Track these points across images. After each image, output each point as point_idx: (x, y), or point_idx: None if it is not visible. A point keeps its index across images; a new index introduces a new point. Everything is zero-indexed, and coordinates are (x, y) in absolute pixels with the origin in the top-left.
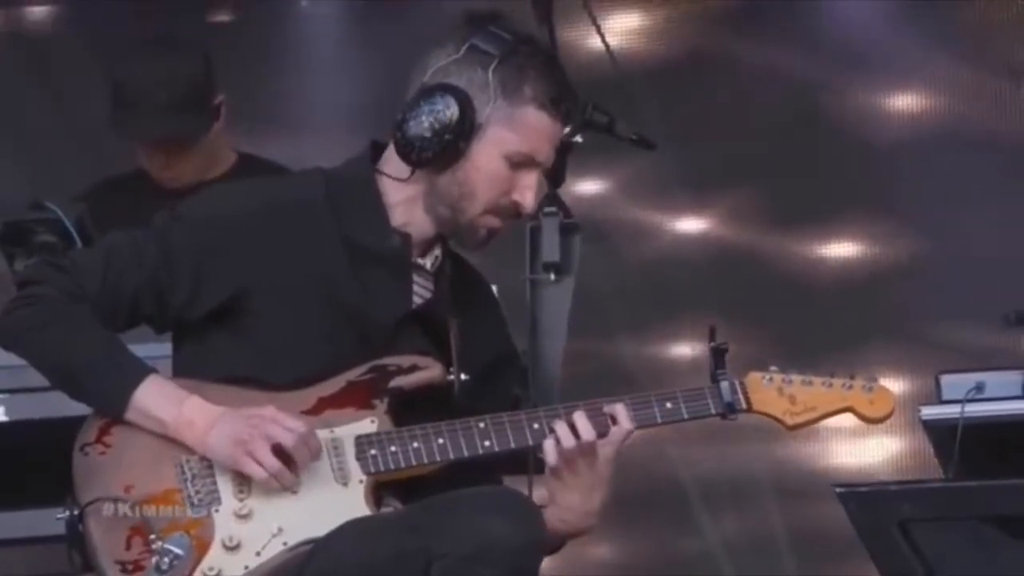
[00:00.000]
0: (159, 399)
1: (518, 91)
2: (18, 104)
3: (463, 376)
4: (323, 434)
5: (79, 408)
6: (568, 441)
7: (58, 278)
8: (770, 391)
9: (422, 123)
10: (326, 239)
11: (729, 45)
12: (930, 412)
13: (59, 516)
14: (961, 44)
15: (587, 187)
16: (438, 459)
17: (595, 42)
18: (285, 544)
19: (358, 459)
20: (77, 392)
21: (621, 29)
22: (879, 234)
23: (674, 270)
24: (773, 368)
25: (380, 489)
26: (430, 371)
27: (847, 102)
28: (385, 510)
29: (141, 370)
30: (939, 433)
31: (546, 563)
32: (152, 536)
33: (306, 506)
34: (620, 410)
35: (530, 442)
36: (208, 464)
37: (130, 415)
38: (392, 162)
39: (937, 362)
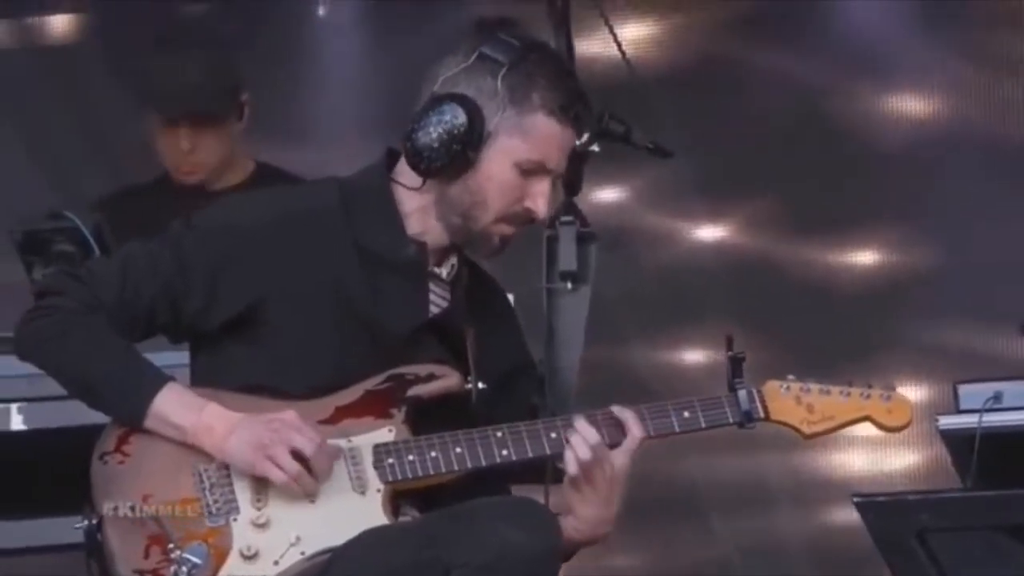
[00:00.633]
0: (178, 406)
1: (527, 98)
2: (36, 113)
3: (480, 385)
4: (341, 443)
5: (97, 417)
6: (584, 452)
7: (75, 288)
8: (788, 400)
9: (431, 133)
10: (341, 248)
11: (743, 52)
12: (948, 421)
13: (77, 525)
14: (973, 48)
15: (604, 195)
16: (456, 468)
17: (611, 50)
18: (303, 553)
19: (376, 468)
20: (96, 402)
21: (636, 37)
22: (896, 242)
23: (690, 278)
24: (791, 377)
25: (398, 498)
26: (447, 380)
27: (861, 108)
28: (403, 519)
29: (159, 378)
30: (957, 442)
31: (563, 571)
32: (170, 545)
33: (324, 515)
34: (630, 418)
35: (547, 451)
36: (226, 473)
37: (149, 423)
38: (405, 171)
39: (955, 371)
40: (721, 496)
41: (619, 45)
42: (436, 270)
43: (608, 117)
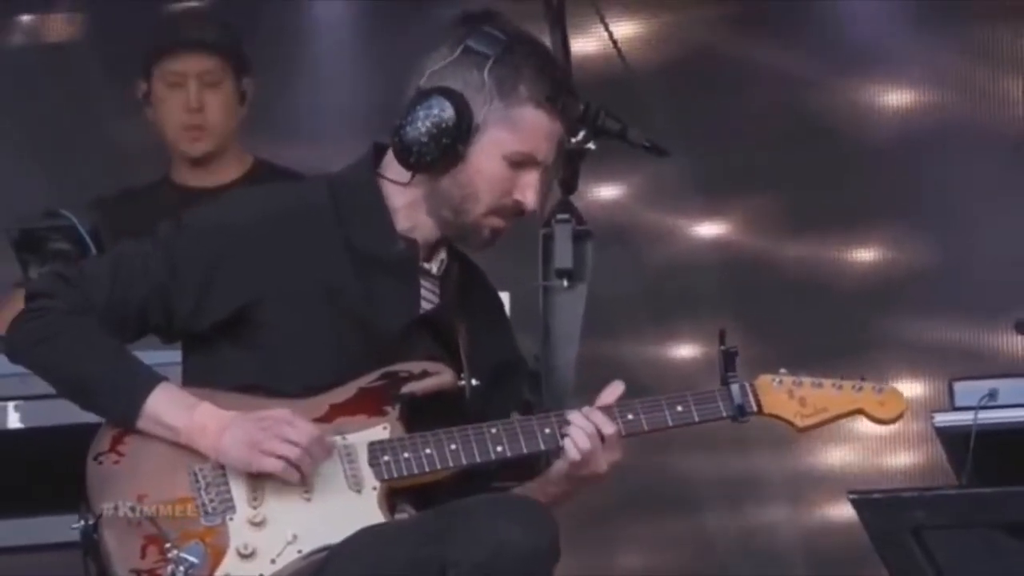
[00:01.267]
0: (170, 406)
1: (514, 91)
2: (34, 111)
3: (474, 381)
4: (336, 441)
5: (94, 415)
6: (583, 442)
7: (65, 290)
8: (780, 393)
9: (419, 128)
10: (332, 246)
11: (739, 49)
12: (943, 419)
13: (74, 526)
14: (970, 45)
15: (602, 192)
16: (451, 465)
17: (607, 48)
18: (300, 552)
19: (371, 465)
20: (88, 403)
21: (632, 35)
22: (893, 239)
23: (687, 276)
24: (783, 371)
25: (394, 495)
26: (441, 377)
27: (857, 104)
28: (399, 516)
29: (151, 378)
30: (952, 440)
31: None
32: (167, 544)
33: (320, 513)
34: (600, 418)
35: (542, 447)
36: (222, 472)
37: (142, 423)
38: (393, 166)
39: (951, 368)
40: (718, 495)
41: (615, 43)
42: (426, 266)
43: (604, 115)
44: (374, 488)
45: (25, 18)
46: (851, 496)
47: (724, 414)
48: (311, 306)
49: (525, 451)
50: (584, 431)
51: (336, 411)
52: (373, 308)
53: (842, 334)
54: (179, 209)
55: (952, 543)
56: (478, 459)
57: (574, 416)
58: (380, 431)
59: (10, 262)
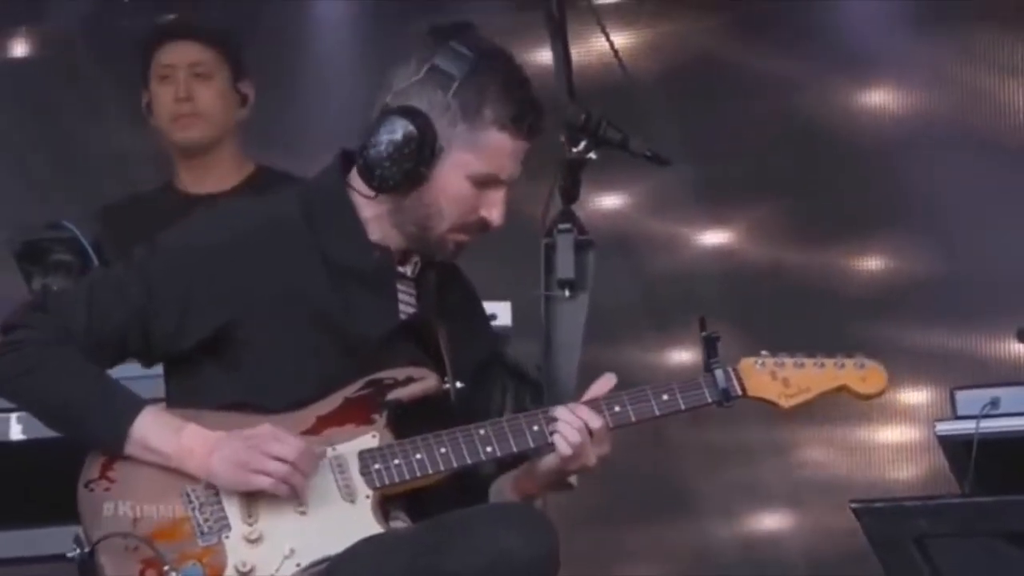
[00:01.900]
0: (157, 431)
1: (478, 114)
2: (36, 122)
3: (459, 384)
4: (326, 452)
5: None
6: (573, 436)
7: (42, 321)
8: (763, 375)
9: (381, 150)
10: (307, 259)
11: (738, 57)
12: (945, 428)
13: (70, 554)
14: (975, 52)
15: (604, 202)
16: (442, 468)
17: (608, 57)
18: (298, 565)
19: (363, 474)
20: (74, 432)
21: (631, 44)
22: (894, 247)
23: (689, 284)
24: (764, 352)
25: (387, 503)
26: (426, 382)
27: (859, 112)
28: (393, 523)
29: (136, 404)
30: (954, 449)
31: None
32: (165, 567)
33: (315, 526)
34: (586, 413)
35: (531, 444)
36: (214, 491)
37: (129, 449)
38: (360, 180)
39: (953, 377)
40: (719, 500)
41: (616, 52)
42: (400, 269)
43: (606, 125)
44: (367, 497)
45: (27, 27)
46: (853, 505)
47: (709, 399)
48: (290, 320)
49: (515, 450)
50: (572, 426)
51: (324, 423)
52: (352, 318)
53: (844, 342)
54: (181, 215)
55: (955, 552)
56: (468, 461)
57: (561, 412)
58: (369, 439)
59: (12, 273)
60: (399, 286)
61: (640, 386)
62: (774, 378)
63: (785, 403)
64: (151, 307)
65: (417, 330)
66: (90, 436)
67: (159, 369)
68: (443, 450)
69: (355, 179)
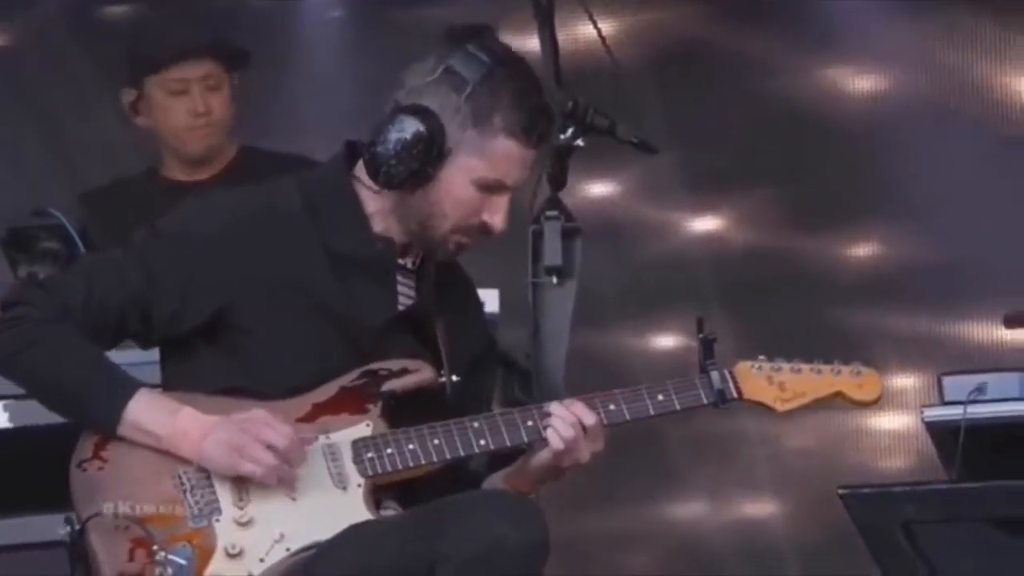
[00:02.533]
0: (151, 412)
1: (488, 121)
2: (20, 110)
3: (454, 377)
4: (319, 440)
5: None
6: (566, 431)
7: (42, 298)
8: (759, 379)
9: (389, 147)
10: (307, 248)
11: (725, 43)
12: (932, 413)
13: (60, 533)
14: (961, 37)
15: (591, 189)
16: (435, 459)
17: (594, 44)
18: (288, 550)
19: (355, 463)
20: (68, 410)
21: (617, 31)
22: (882, 234)
23: (677, 271)
24: (762, 357)
25: (379, 492)
26: (421, 374)
27: (847, 98)
28: (384, 512)
29: (131, 384)
30: (941, 434)
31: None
32: (155, 547)
33: (306, 511)
34: (580, 409)
35: (525, 439)
36: (206, 474)
37: (123, 430)
38: (366, 173)
39: (940, 363)
40: (708, 489)
41: (603, 39)
42: (401, 261)
43: (593, 112)
44: (359, 485)
45: (12, 17)
46: (841, 491)
47: (705, 401)
48: (289, 307)
49: (508, 444)
50: (566, 421)
51: (319, 410)
52: (351, 307)
53: (832, 329)
54: (170, 203)
55: (942, 537)
56: (461, 453)
57: (555, 407)
58: (363, 428)
59: None
60: (399, 277)
61: (636, 386)
62: (770, 382)
63: (780, 407)
64: (150, 291)
65: (415, 322)
66: (84, 415)
67: (155, 356)
68: (436, 441)
69: (361, 171)
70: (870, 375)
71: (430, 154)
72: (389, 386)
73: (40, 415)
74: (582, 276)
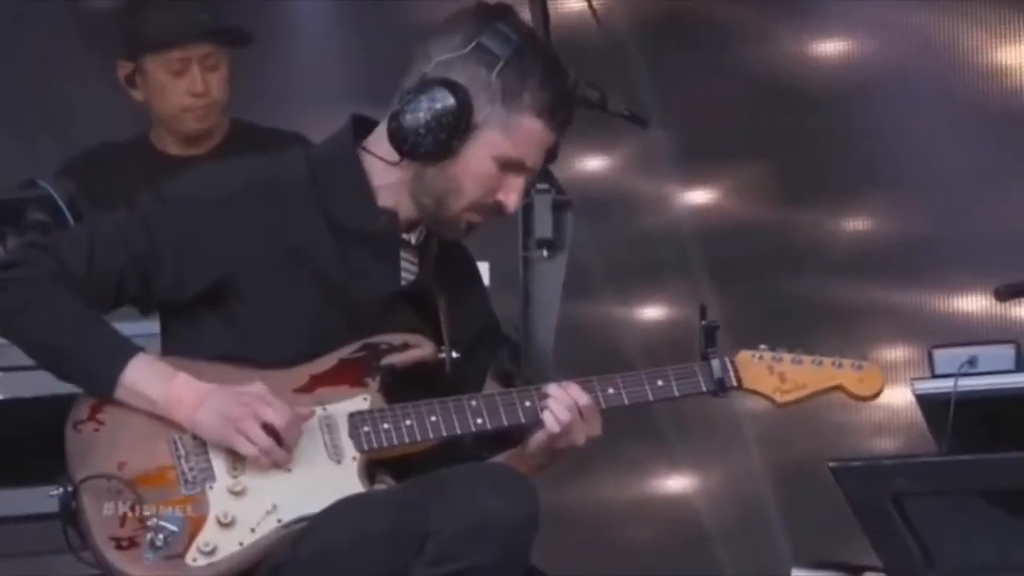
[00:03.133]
0: (148, 377)
1: (518, 97)
2: (10, 80)
3: (454, 354)
4: (317, 411)
5: (76, 386)
6: (563, 414)
7: (41, 259)
8: (760, 369)
9: (419, 117)
10: (311, 219)
11: (717, 11)
12: (923, 386)
13: (52, 493)
14: (967, 14)
15: (582, 161)
16: (431, 436)
17: (580, 18)
18: (279, 521)
19: (351, 436)
20: (64, 372)
21: (601, 3)
22: (875, 208)
23: (669, 245)
24: (763, 346)
25: (373, 466)
26: (421, 349)
27: (842, 69)
28: (378, 487)
29: (129, 349)
30: (932, 407)
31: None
32: (146, 513)
33: (300, 483)
34: (576, 392)
35: (522, 420)
36: (202, 442)
37: (119, 394)
38: (382, 144)
39: (931, 336)
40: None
41: (594, 11)
42: (405, 236)
43: (584, 84)
44: (354, 458)
45: None
46: (831, 464)
47: (704, 389)
48: (290, 278)
49: (505, 424)
50: (563, 404)
51: (316, 382)
52: (353, 280)
53: (822, 302)
54: (161, 176)
55: (932, 510)
56: (458, 431)
57: (552, 389)
58: (360, 402)
59: None
60: (402, 253)
61: (635, 371)
62: (771, 372)
63: (780, 398)
64: (152, 256)
65: (416, 297)
66: (80, 378)
67: (154, 328)
68: (433, 419)
69: (374, 144)
70: (871, 369)
71: (458, 127)
72: (389, 360)
73: (33, 387)
74: (572, 249)
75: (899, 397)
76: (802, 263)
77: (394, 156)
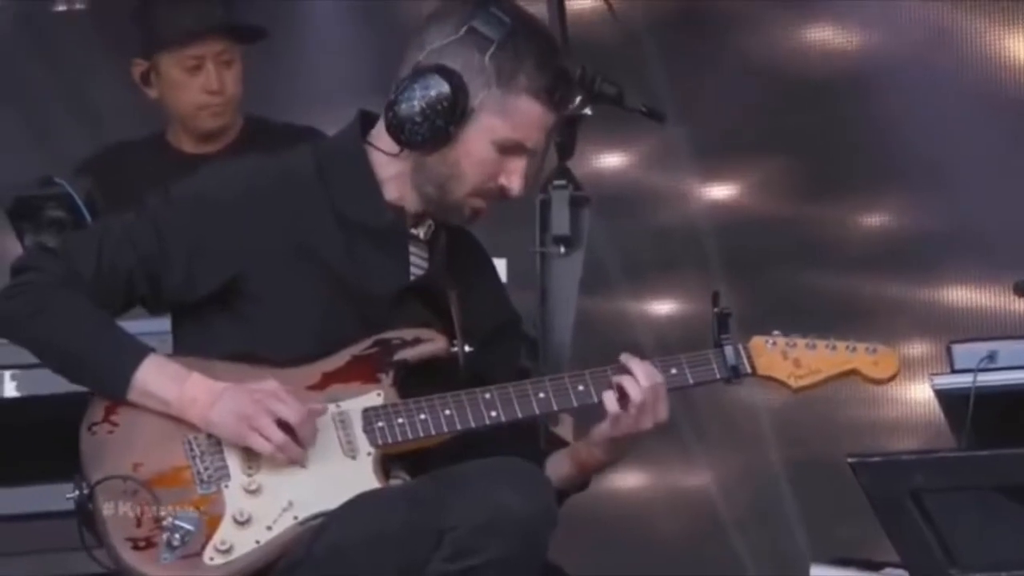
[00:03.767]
0: (160, 378)
1: (513, 79)
2: (29, 79)
3: (467, 348)
4: (330, 408)
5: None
6: (636, 393)
7: (52, 264)
8: (774, 355)
9: (414, 105)
10: (320, 216)
11: (732, 3)
12: (942, 381)
13: (68, 495)
14: (987, 7)
15: (600, 158)
16: (445, 430)
17: (593, 15)
18: (296, 518)
19: (366, 432)
20: (77, 376)
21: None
22: (894, 202)
23: (686, 240)
24: (776, 332)
25: (388, 461)
26: (434, 344)
27: (860, 64)
28: (394, 482)
29: (140, 350)
30: (951, 402)
31: None
32: (162, 513)
33: (315, 480)
34: (636, 366)
35: (536, 412)
36: (216, 440)
37: (132, 396)
38: (383, 137)
39: (951, 331)
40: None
41: (610, 5)
42: (413, 231)
43: (601, 80)
44: (369, 454)
45: None
46: (850, 460)
47: (718, 376)
48: (300, 276)
49: (520, 416)
50: (644, 375)
51: (329, 379)
52: (363, 276)
53: (840, 297)
54: (177, 174)
55: (951, 506)
56: (473, 424)
57: (631, 362)
58: (374, 398)
59: (3, 230)
60: (411, 248)
61: (649, 360)
62: (785, 358)
63: (795, 383)
64: (161, 257)
65: (427, 292)
66: (93, 381)
67: (166, 326)
68: (448, 412)
69: (376, 138)
70: (886, 352)
71: (454, 113)
72: (401, 355)
73: (48, 385)
74: (589, 245)
75: (918, 392)
76: (819, 258)
77: (395, 148)
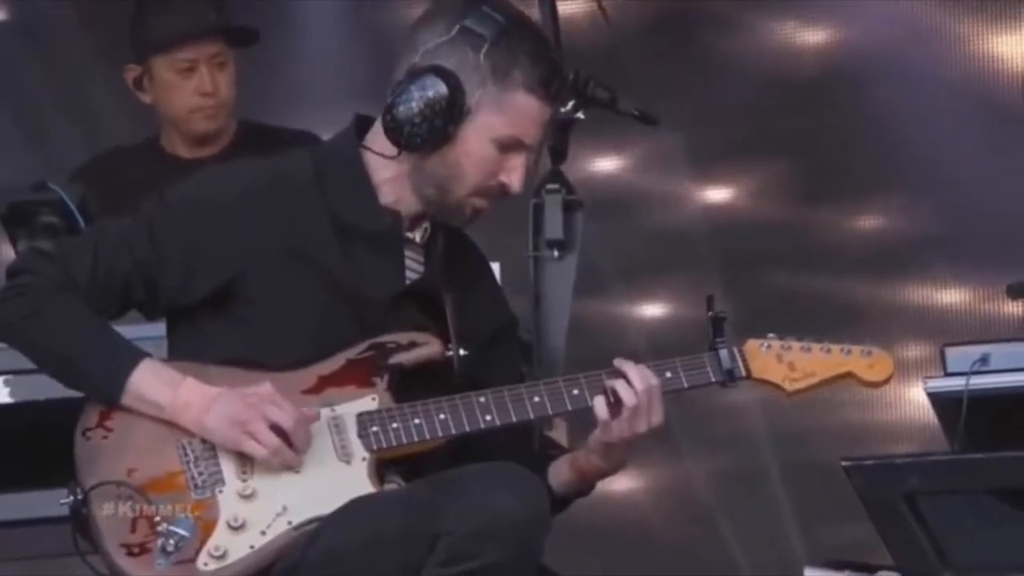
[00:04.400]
0: (154, 383)
1: (508, 75)
2: (23, 84)
3: (462, 351)
4: (324, 412)
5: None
6: (630, 398)
7: (47, 267)
8: (769, 358)
9: (412, 107)
10: (316, 220)
11: (725, 6)
12: (935, 385)
13: (63, 501)
14: (985, 10)
15: (593, 161)
16: (440, 435)
17: (594, 12)
18: (290, 523)
19: (360, 436)
20: (71, 380)
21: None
22: (889, 205)
23: (681, 244)
24: (771, 335)
25: (383, 466)
26: (429, 347)
27: (853, 66)
28: (388, 487)
29: (134, 355)
30: (944, 405)
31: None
32: (157, 518)
33: (310, 485)
34: (631, 369)
35: (531, 416)
36: (210, 446)
37: (126, 400)
38: (380, 140)
39: (944, 334)
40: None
41: (603, 10)
42: (409, 235)
43: (594, 84)
44: (363, 459)
45: None
46: (844, 463)
47: (713, 379)
48: (296, 279)
49: (514, 420)
50: (639, 377)
51: (324, 383)
52: (359, 280)
53: (835, 300)
54: (172, 179)
55: (945, 509)
56: (467, 429)
57: (624, 366)
58: (368, 402)
59: None
60: (407, 252)
61: (642, 363)
62: (779, 361)
63: (789, 387)
64: (157, 261)
65: (422, 295)
66: (87, 385)
67: (161, 331)
68: (442, 416)
69: (372, 141)
70: (881, 356)
71: (452, 113)
72: (396, 359)
73: (41, 390)
74: (583, 249)
75: (913, 395)
76: (813, 262)
77: (392, 150)
